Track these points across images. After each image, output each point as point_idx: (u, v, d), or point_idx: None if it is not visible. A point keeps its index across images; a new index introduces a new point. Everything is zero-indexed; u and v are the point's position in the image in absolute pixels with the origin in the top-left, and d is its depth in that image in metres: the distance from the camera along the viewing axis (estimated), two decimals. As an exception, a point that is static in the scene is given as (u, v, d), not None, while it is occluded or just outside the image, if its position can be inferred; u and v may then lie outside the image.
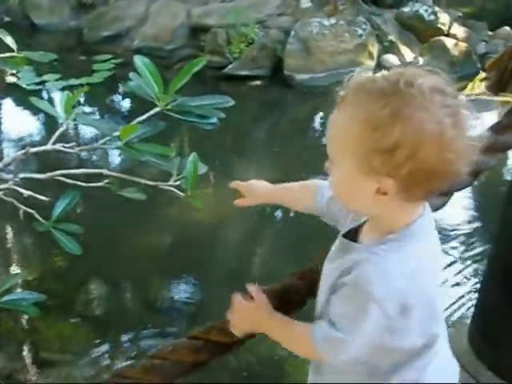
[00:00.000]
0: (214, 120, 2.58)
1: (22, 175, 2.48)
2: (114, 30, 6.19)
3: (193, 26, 5.98)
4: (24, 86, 4.91)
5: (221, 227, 3.31)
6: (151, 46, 5.83)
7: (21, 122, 4.65)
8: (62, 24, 6.55)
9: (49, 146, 2.52)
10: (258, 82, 5.53)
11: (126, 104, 5.25)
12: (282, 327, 0.95)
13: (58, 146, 2.52)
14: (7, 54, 3.11)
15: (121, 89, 5.22)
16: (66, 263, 2.84)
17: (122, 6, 6.34)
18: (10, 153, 3.84)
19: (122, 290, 2.98)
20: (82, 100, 5.07)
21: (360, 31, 5.71)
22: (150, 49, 5.79)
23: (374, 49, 5.72)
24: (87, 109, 4.82)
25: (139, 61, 2.55)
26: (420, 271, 0.88)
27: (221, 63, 5.55)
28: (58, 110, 2.55)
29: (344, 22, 5.76)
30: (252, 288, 0.96)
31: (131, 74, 2.52)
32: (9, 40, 3.07)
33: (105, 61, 5.60)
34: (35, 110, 4.33)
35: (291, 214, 3.41)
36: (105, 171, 2.54)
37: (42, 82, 5.04)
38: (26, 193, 2.43)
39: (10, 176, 2.47)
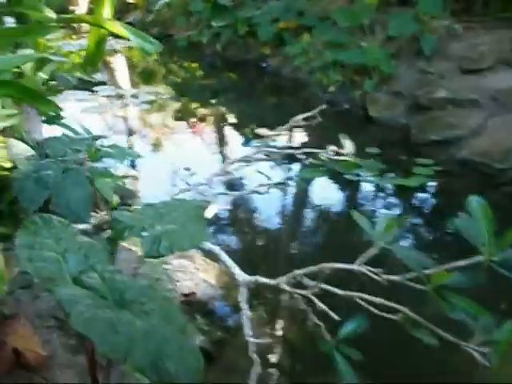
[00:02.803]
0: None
1: (322, 285, 2.50)
2: (444, 135, 6.05)
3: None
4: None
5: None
6: (478, 161, 5.50)
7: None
8: (392, 120, 6.74)
9: (355, 266, 2.49)
10: None
11: (442, 236, 4.80)
12: None
13: (364, 269, 2.46)
14: (345, 158, 3.27)
15: (432, 203, 4.98)
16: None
17: (459, 114, 6.18)
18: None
19: None
20: (389, 200, 5.03)
21: None
22: (475, 163, 5.48)
23: None
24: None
25: (474, 201, 2.33)
26: None
27: None
28: (376, 228, 2.52)
29: None
30: None
31: (461, 215, 2.33)
32: (347, 144, 3.21)
33: (426, 165, 5.48)
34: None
35: None
36: (402, 308, 2.38)
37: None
38: (322, 306, 2.43)
39: (312, 283, 2.51)
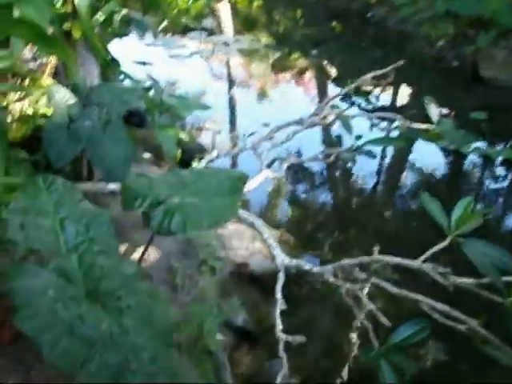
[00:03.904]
0: None
1: (374, 280, 2.11)
2: None
3: None
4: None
5: None
6: None
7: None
8: (508, 81, 5.90)
9: (417, 263, 2.06)
10: None
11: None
12: None
13: (428, 267, 2.03)
14: (425, 126, 2.76)
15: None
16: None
17: None
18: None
19: None
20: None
21: None
22: None
23: None
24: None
25: None
26: None
27: None
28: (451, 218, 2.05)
29: None
30: None
31: None
32: (433, 113, 2.70)
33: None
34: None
35: None
36: (469, 319, 1.93)
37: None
38: (370, 306, 2.05)
39: (363, 277, 2.12)
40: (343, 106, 4.10)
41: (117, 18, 3.60)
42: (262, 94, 6.57)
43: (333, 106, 2.84)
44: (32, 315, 1.16)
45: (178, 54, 7.17)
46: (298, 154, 4.40)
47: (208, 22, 10.20)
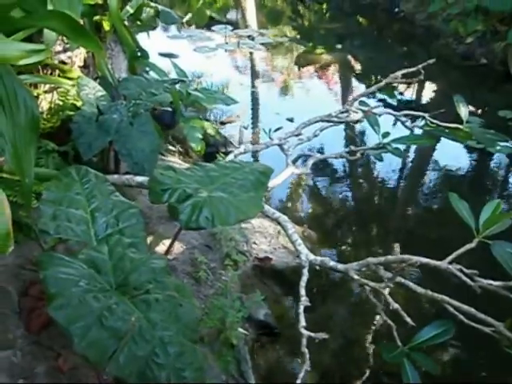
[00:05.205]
0: None
1: (400, 280, 2.10)
2: None
3: None
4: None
5: None
6: None
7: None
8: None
9: (443, 264, 2.04)
10: None
11: None
12: None
13: (454, 268, 2.02)
14: (454, 125, 2.73)
15: None
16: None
17: None
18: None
19: None
20: None
21: None
22: None
23: None
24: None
25: None
26: None
27: None
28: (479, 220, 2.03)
29: None
30: None
31: None
32: (462, 112, 2.66)
33: None
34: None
35: None
36: (495, 322, 1.91)
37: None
38: (394, 305, 2.04)
39: (388, 275, 2.12)
40: (368, 102, 4.08)
41: (145, 10, 3.63)
42: (286, 89, 6.55)
43: (361, 103, 2.83)
44: (64, 305, 1.19)
45: (203, 47, 7.18)
46: (322, 150, 4.40)
47: (233, 15, 10.18)
